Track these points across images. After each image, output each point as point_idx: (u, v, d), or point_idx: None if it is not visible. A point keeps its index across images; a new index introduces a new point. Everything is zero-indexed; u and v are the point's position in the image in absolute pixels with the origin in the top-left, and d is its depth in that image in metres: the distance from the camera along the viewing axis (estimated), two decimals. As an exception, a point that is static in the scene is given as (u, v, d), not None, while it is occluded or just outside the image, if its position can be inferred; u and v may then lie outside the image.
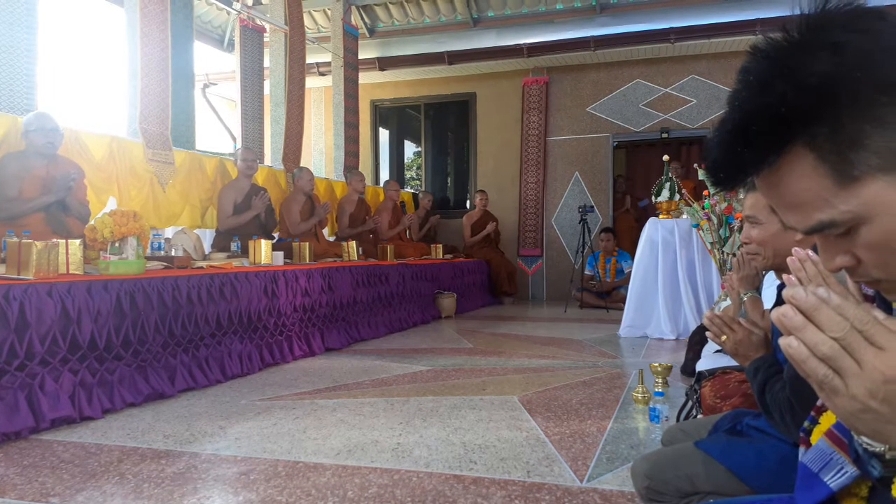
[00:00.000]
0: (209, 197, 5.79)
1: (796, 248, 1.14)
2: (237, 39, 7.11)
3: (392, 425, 2.97)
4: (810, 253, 1.12)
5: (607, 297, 8.13)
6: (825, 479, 0.98)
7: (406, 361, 4.61)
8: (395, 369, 4.32)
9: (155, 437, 2.83)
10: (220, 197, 5.69)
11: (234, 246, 5.20)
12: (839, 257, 0.67)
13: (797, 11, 0.64)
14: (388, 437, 2.78)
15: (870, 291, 1.06)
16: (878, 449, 0.71)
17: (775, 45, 0.63)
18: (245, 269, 4.47)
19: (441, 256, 8.12)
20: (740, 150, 0.64)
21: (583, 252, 8.30)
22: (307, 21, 8.68)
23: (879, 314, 0.60)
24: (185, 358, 3.76)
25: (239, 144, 6.85)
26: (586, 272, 8.44)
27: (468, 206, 10.00)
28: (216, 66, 9.68)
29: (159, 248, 4.35)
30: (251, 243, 4.92)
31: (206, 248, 5.40)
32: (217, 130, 10.02)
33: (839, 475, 0.97)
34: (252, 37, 7.19)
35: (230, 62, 8.74)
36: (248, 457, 2.55)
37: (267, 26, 7.45)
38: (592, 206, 8.96)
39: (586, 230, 8.26)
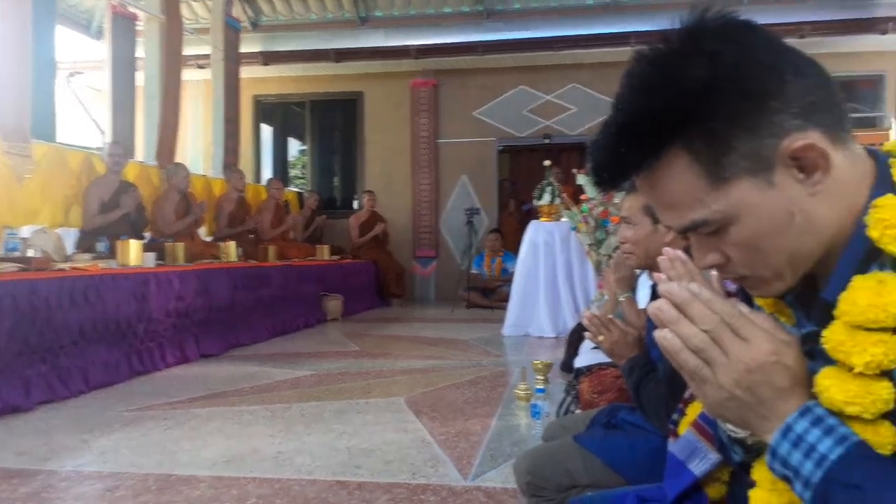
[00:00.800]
0: (74, 194, 5.41)
1: (667, 248, 1.19)
2: (107, 26, 6.64)
3: (273, 433, 2.86)
4: (679, 252, 1.18)
5: (492, 295, 8.29)
6: (690, 467, 1.04)
7: (288, 366, 4.47)
8: (277, 375, 4.18)
9: (6, 455, 2.57)
10: (86, 194, 5.33)
11: (100, 246, 4.86)
12: (710, 255, 0.70)
13: (670, 26, 0.66)
14: (269, 446, 2.68)
15: (732, 288, 1.12)
16: (740, 435, 0.75)
17: (657, 52, 0.65)
18: (112, 270, 4.19)
19: (327, 257, 7.98)
20: (623, 152, 0.65)
21: (470, 253, 8.42)
22: (185, 11, 8.26)
23: (744, 308, 0.63)
24: (42, 368, 3.45)
25: (107, 138, 6.41)
26: (472, 271, 8.58)
27: (356, 206, 9.89)
28: (83, 53, 9.01)
29: (14, 249, 3.99)
30: (120, 244, 4.61)
31: (70, 248, 5.01)
32: (83, 123, 9.32)
33: (703, 462, 1.02)
34: (123, 24, 6.75)
35: (99, 50, 8.16)
36: (114, 472, 2.38)
37: (140, 14, 7.01)
38: (479, 209, 9.13)
39: (473, 232, 8.39)
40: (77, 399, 3.55)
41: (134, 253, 4.58)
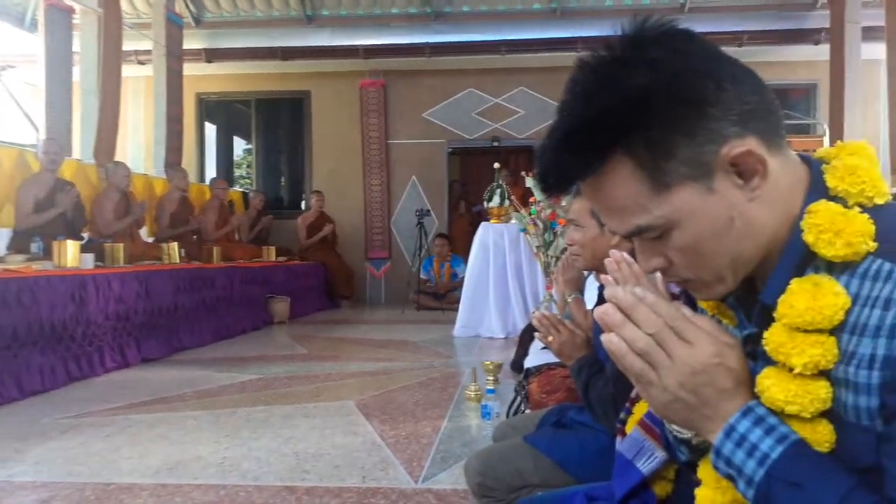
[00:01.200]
0: (6, 192, 5.20)
1: (613, 251, 1.22)
2: (41, 19, 6.38)
3: (218, 439, 2.80)
4: (625, 255, 1.20)
5: (443, 298, 8.31)
6: (638, 465, 1.06)
7: (234, 370, 4.38)
8: (222, 379, 4.09)
9: (-70, 469, 2.44)
10: (19, 192, 5.11)
11: (35, 247, 4.67)
12: (654, 259, 0.71)
13: (615, 31, 0.67)
14: (214, 452, 2.62)
15: (676, 290, 1.15)
16: (686, 436, 0.77)
17: (600, 59, 0.66)
18: (48, 272, 4.02)
19: (274, 259, 7.84)
20: (568, 158, 0.66)
21: (420, 255, 8.42)
22: (125, 5, 7.98)
23: (687, 311, 0.65)
24: (-29, 375, 3.29)
25: (42, 135, 6.16)
26: (422, 276, 8.58)
27: (303, 206, 9.76)
28: (16, 47, 8.63)
29: (-60, 250, 3.79)
30: (56, 244, 4.43)
31: (2, 249, 4.81)
32: (16, 119, 8.92)
33: (650, 461, 1.04)
34: (59, 17, 6.50)
35: (33, 44, 7.82)
36: (49, 482, 2.29)
37: (77, 6, 6.76)
38: (429, 210, 9.15)
39: (423, 234, 8.39)
40: (10, 406, 3.39)
41: (71, 254, 4.41)
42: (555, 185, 0.70)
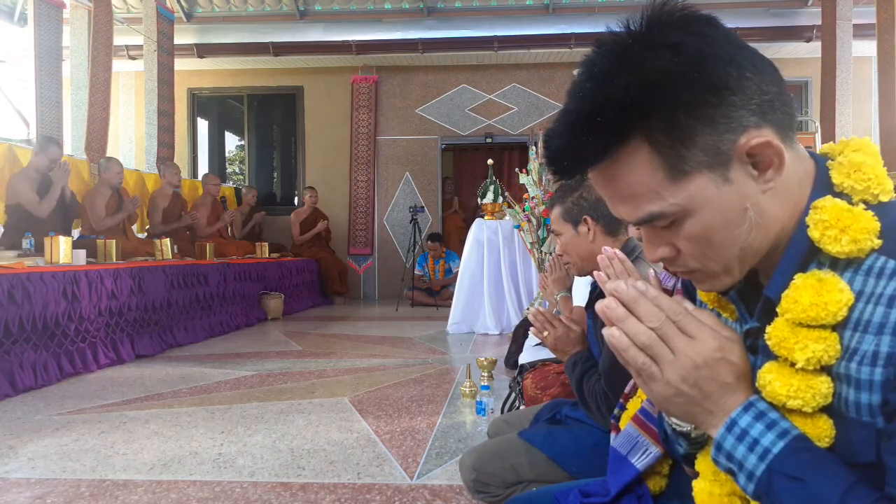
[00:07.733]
0: (-5, 187, 5.13)
1: (605, 247, 1.22)
2: (31, 13, 6.33)
3: (213, 435, 2.80)
4: (617, 252, 1.21)
5: (437, 294, 8.33)
6: (633, 461, 1.07)
7: (228, 367, 4.37)
8: (216, 376, 4.09)
9: (-78, 466, 2.43)
10: (9, 187, 5.05)
11: (26, 243, 4.63)
12: (661, 248, 0.70)
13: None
14: (209, 448, 2.62)
15: (668, 285, 1.16)
16: (685, 429, 0.78)
17: (619, 40, 0.64)
18: (40, 268, 3.99)
19: (267, 255, 7.82)
20: (584, 140, 0.64)
21: (414, 251, 8.43)
22: (115, 0, 7.94)
23: (689, 305, 0.65)
24: (-37, 372, 3.27)
25: (33, 130, 6.11)
26: (416, 272, 8.58)
27: (296, 202, 9.75)
28: (5, 42, 8.56)
29: (-70, 246, 3.76)
30: (47, 240, 4.40)
31: (-9, 245, 4.77)
32: (6, 114, 8.85)
33: (644, 456, 1.05)
34: (49, 11, 6.44)
35: (22, 38, 7.76)
36: (44, 478, 2.28)
37: (67, 1, 6.71)
38: (423, 207, 9.14)
39: (417, 230, 8.39)
40: (3, 403, 3.38)
41: (63, 250, 4.38)
42: (569, 169, 0.68)
